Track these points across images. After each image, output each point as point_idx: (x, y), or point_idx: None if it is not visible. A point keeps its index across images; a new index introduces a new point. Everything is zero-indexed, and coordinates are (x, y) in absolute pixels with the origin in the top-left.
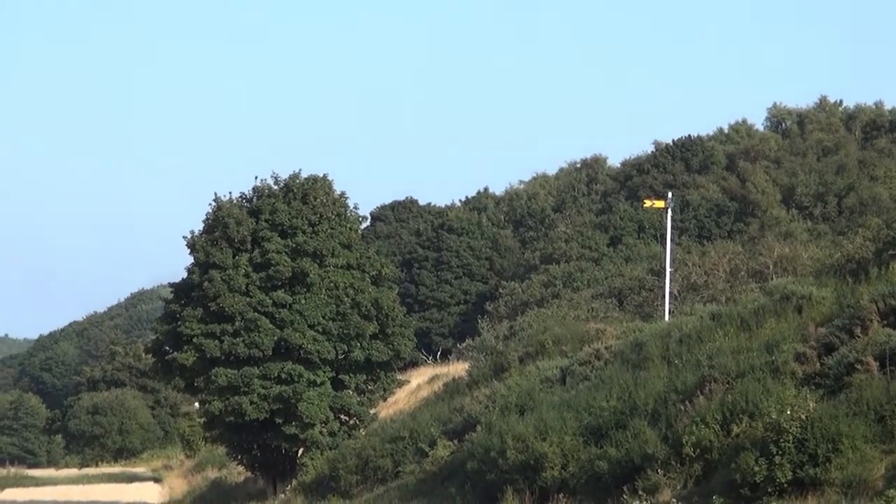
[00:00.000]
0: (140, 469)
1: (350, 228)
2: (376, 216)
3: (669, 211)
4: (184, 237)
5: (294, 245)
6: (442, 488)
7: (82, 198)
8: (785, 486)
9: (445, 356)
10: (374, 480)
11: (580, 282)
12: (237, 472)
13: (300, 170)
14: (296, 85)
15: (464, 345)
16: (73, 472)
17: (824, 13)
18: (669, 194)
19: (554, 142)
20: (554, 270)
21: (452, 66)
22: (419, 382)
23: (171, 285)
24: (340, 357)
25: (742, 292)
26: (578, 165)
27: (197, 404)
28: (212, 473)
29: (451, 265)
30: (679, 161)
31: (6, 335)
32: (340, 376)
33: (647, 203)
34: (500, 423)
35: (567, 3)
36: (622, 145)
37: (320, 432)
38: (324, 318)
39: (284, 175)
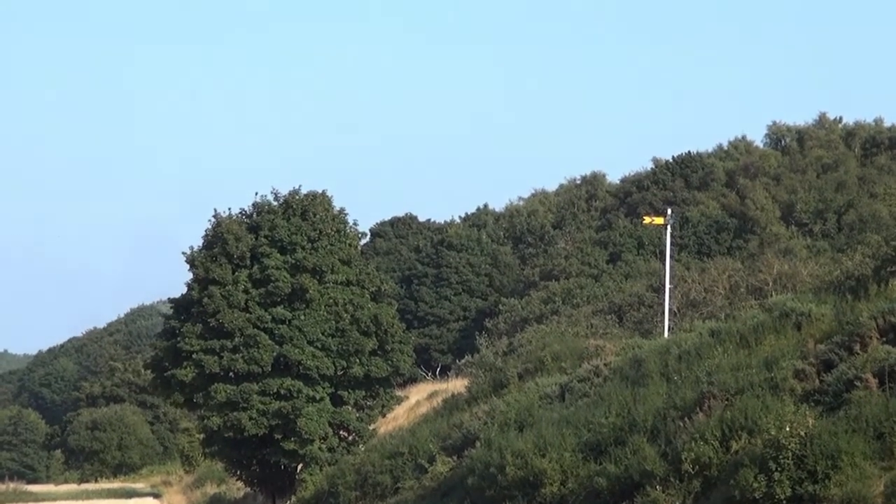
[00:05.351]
0: (139, 485)
1: (349, 244)
2: (376, 232)
3: (669, 227)
4: (183, 253)
5: (293, 261)
6: None
7: (82, 210)
8: (784, 502)
9: (444, 372)
10: (373, 496)
11: (579, 298)
12: (236, 488)
13: (300, 186)
14: (296, 102)
15: (463, 361)
16: (73, 487)
17: (824, 30)
18: (669, 211)
19: (553, 158)
20: (553, 287)
21: (452, 82)
22: (418, 398)
23: (171, 301)
24: (339, 373)
25: (741, 309)
26: (578, 182)
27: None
28: (211, 489)
29: (451, 281)
30: (678, 177)
31: (5, 351)
32: (339, 392)
33: (647, 219)
34: (499, 440)
35: (566, 19)
36: (621, 162)
37: (319, 448)
38: (323, 334)
39: (284, 191)
